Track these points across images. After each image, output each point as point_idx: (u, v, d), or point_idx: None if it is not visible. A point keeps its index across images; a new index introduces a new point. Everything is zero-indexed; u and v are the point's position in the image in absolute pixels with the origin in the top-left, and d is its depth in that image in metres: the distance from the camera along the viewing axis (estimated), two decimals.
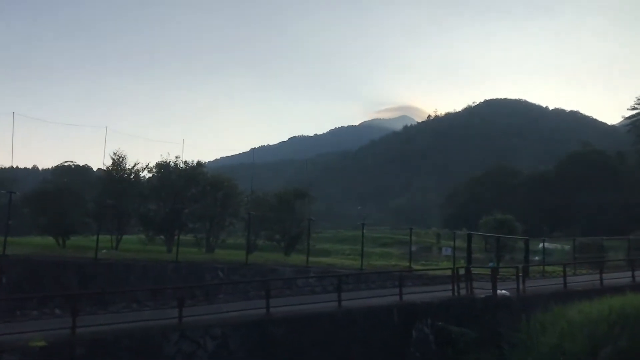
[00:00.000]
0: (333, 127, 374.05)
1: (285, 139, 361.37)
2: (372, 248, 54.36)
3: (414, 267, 26.13)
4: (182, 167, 25.31)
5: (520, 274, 19.45)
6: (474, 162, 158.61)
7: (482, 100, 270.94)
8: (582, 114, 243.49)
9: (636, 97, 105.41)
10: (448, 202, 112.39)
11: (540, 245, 53.77)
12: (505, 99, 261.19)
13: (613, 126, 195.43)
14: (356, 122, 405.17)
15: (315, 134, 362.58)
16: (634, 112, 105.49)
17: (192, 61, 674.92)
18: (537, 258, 45.52)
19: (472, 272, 23.28)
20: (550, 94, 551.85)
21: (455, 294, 18.81)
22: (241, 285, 18.19)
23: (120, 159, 24.49)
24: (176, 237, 21.88)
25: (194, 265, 19.87)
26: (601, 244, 32.47)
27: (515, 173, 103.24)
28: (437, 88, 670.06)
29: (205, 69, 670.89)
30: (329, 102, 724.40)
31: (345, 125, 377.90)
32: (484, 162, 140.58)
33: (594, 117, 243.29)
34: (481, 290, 19.16)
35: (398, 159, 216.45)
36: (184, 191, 24.58)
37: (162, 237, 24.11)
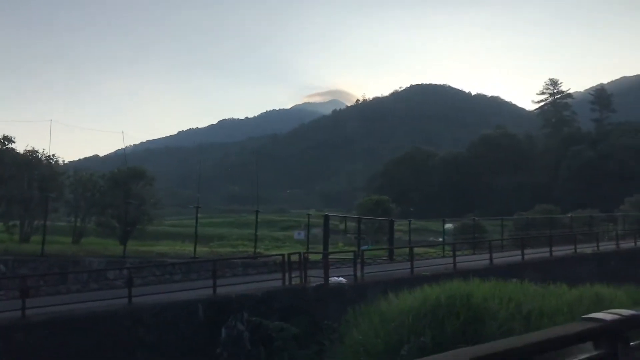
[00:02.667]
0: (264, 111, 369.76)
1: (215, 122, 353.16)
2: (272, 232, 52.46)
3: (269, 253, 24.00)
4: None
5: (359, 259, 17.47)
6: (400, 146, 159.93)
7: (409, 85, 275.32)
8: (502, 99, 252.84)
9: (544, 83, 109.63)
10: (367, 186, 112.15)
11: (446, 226, 53.95)
12: (430, 84, 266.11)
13: (530, 111, 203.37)
14: (287, 106, 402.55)
15: (247, 117, 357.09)
16: (542, 97, 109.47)
17: (114, 43, 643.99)
18: (440, 239, 45.12)
19: (332, 257, 21.50)
20: (473, 80, 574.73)
21: (287, 283, 16.78)
22: (29, 280, 15.21)
23: None
24: None
25: None
26: (479, 225, 31.64)
27: (430, 155, 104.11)
28: (366, 72, 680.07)
29: (128, 52, 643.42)
30: (260, 85, 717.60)
31: (277, 109, 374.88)
32: (409, 146, 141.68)
33: (513, 102, 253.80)
34: (318, 278, 17.20)
35: (327, 143, 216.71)
36: None
37: None
